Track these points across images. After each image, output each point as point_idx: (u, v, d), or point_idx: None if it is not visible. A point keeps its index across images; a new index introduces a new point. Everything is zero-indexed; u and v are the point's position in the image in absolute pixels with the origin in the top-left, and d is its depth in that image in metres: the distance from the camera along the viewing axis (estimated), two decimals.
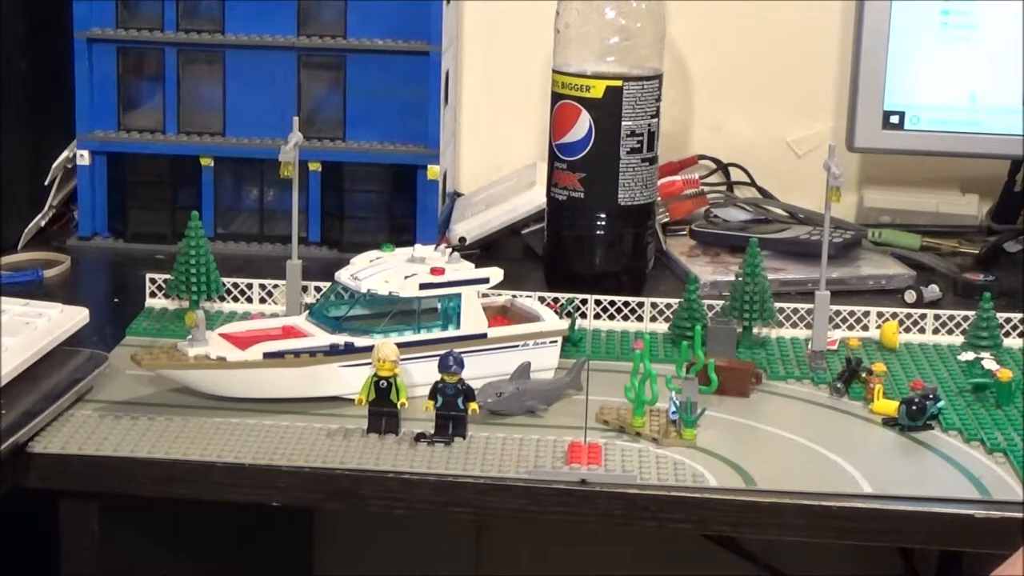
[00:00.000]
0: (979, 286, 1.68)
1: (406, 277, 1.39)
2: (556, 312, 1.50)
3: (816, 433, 1.35)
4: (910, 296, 1.70)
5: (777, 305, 1.55)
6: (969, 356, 1.51)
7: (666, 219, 1.86)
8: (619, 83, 1.63)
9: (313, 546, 2.14)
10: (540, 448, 1.30)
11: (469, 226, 1.81)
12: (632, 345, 1.41)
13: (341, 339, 1.36)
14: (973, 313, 1.56)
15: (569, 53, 1.66)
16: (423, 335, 1.38)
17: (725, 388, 1.40)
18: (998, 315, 1.55)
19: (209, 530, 1.55)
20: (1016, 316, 1.56)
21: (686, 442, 1.31)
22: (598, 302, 1.58)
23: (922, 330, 1.57)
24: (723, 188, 1.99)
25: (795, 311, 1.57)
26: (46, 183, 1.80)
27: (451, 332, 1.39)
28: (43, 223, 1.82)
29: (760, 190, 1.98)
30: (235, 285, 1.59)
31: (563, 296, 1.58)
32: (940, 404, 1.37)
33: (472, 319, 1.40)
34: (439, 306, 1.40)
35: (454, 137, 1.97)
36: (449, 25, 1.83)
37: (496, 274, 1.42)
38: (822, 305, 1.50)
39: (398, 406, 1.31)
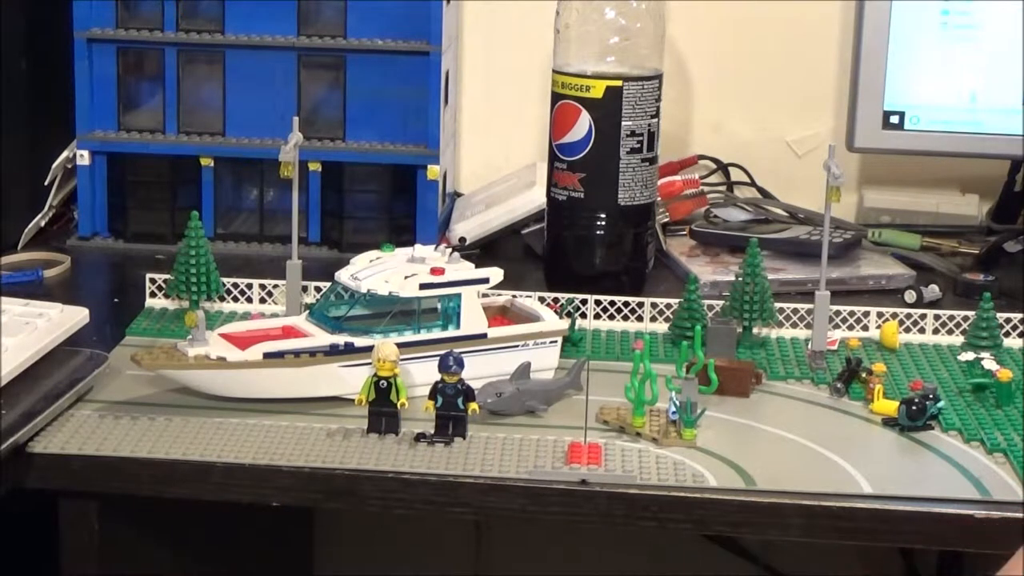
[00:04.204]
0: (979, 286, 1.68)
1: (406, 277, 1.39)
2: (556, 312, 1.50)
3: (816, 433, 1.35)
4: (910, 296, 1.70)
5: (777, 305, 1.55)
6: (969, 356, 1.51)
7: (666, 219, 1.86)
8: (619, 83, 1.63)
9: (313, 546, 2.14)
10: (540, 448, 1.30)
11: (469, 226, 1.81)
12: (632, 345, 1.41)
13: (341, 339, 1.36)
14: (973, 313, 1.56)
15: (569, 53, 1.66)
16: (423, 335, 1.38)
17: (725, 388, 1.40)
18: (998, 315, 1.55)
19: (209, 530, 1.55)
20: (1016, 316, 1.56)
21: (686, 442, 1.31)
22: (598, 302, 1.58)
23: (922, 330, 1.57)
24: (723, 188, 1.99)
25: (795, 311, 1.57)
26: (46, 183, 1.80)
27: (451, 332, 1.39)
28: (43, 223, 1.82)
29: (760, 190, 1.98)
30: (235, 285, 1.59)
31: (563, 296, 1.58)
32: (940, 404, 1.37)
33: (472, 319, 1.40)
34: (439, 306, 1.40)
35: (454, 137, 1.97)
36: (449, 25, 1.83)
37: (496, 274, 1.42)
38: (822, 305, 1.50)
39: (398, 406, 1.31)
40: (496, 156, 2.02)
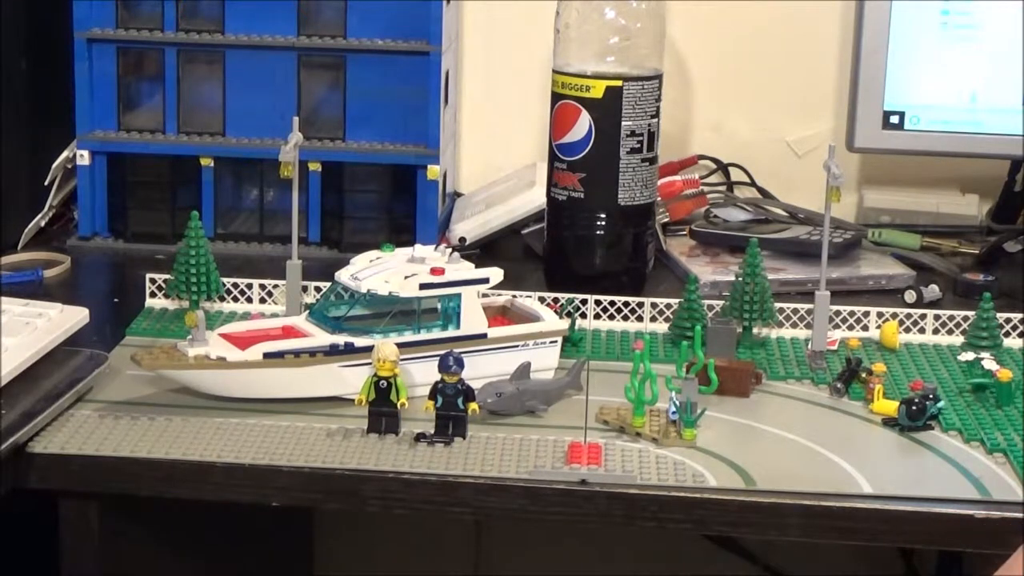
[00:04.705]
0: (979, 286, 1.68)
1: (406, 277, 1.39)
2: (556, 312, 1.50)
3: (816, 433, 1.35)
4: (910, 296, 1.70)
5: (777, 305, 1.55)
6: (969, 356, 1.51)
7: (666, 219, 1.86)
8: (619, 83, 1.63)
9: (313, 546, 2.14)
10: (540, 448, 1.30)
11: (469, 226, 1.81)
12: (632, 345, 1.41)
13: (341, 339, 1.36)
14: (973, 313, 1.56)
15: (569, 53, 1.66)
16: (423, 335, 1.38)
17: (725, 388, 1.40)
18: (998, 315, 1.55)
19: (209, 530, 1.55)
20: (1016, 316, 1.56)
21: (686, 442, 1.31)
22: (598, 302, 1.58)
23: (922, 330, 1.57)
24: (723, 188, 1.99)
25: (795, 311, 1.57)
26: (46, 183, 1.80)
27: (451, 332, 1.39)
28: (43, 223, 1.82)
29: (760, 190, 1.98)
30: (235, 285, 1.59)
31: (563, 296, 1.57)
32: (940, 404, 1.37)
33: (472, 319, 1.40)
34: (439, 306, 1.40)
35: (454, 137, 1.97)
36: (449, 25, 1.83)
37: (496, 274, 1.42)
38: (822, 305, 1.50)
39: (398, 406, 1.31)
40: (496, 156, 2.02)
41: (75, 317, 1.43)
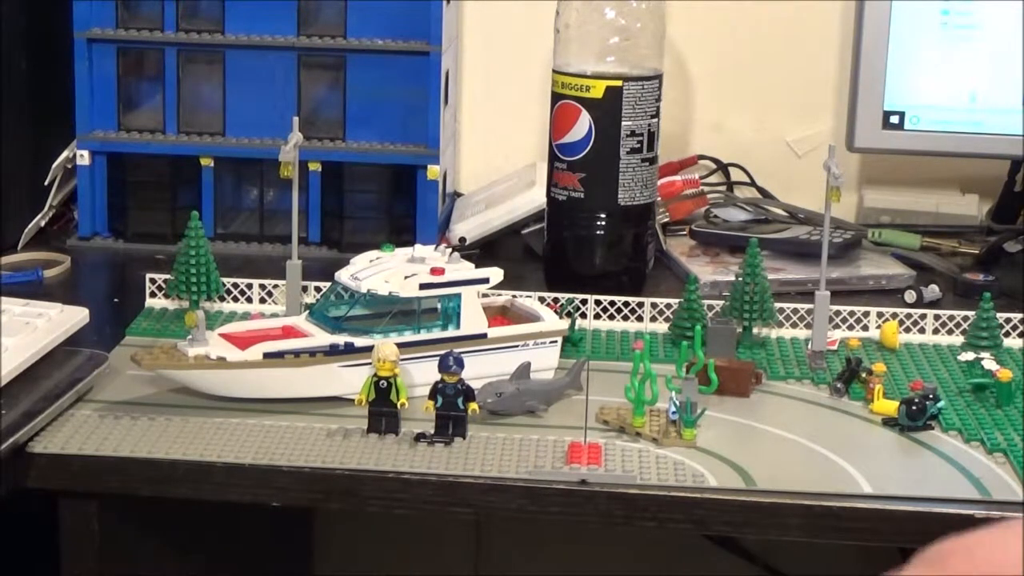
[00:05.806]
0: (979, 286, 1.68)
1: (406, 277, 1.38)
2: (556, 312, 1.50)
3: (816, 433, 1.35)
4: (910, 296, 1.70)
5: (777, 305, 1.55)
6: (969, 356, 1.51)
7: (666, 219, 1.86)
8: (619, 83, 1.63)
9: (313, 546, 2.14)
10: (540, 448, 1.30)
11: (469, 226, 1.81)
12: (632, 345, 1.41)
13: (341, 339, 1.36)
14: (973, 313, 1.56)
15: (569, 53, 1.66)
16: (423, 335, 1.38)
17: (725, 388, 1.40)
18: (998, 315, 1.55)
19: (209, 530, 1.55)
20: (1016, 316, 1.56)
21: (686, 442, 1.31)
22: (598, 302, 1.58)
23: (922, 330, 1.57)
24: (723, 188, 1.99)
25: (795, 311, 1.57)
26: (46, 183, 1.80)
27: (451, 332, 1.39)
28: (43, 223, 1.82)
29: (760, 190, 1.98)
30: (235, 285, 1.59)
31: (563, 296, 1.57)
32: (940, 404, 1.37)
33: (472, 319, 1.40)
34: (439, 306, 1.40)
35: (454, 137, 1.97)
36: (449, 25, 1.83)
37: (496, 274, 1.42)
38: (822, 305, 1.50)
39: (398, 406, 1.31)
40: (496, 156, 2.02)
41: (75, 317, 1.43)
